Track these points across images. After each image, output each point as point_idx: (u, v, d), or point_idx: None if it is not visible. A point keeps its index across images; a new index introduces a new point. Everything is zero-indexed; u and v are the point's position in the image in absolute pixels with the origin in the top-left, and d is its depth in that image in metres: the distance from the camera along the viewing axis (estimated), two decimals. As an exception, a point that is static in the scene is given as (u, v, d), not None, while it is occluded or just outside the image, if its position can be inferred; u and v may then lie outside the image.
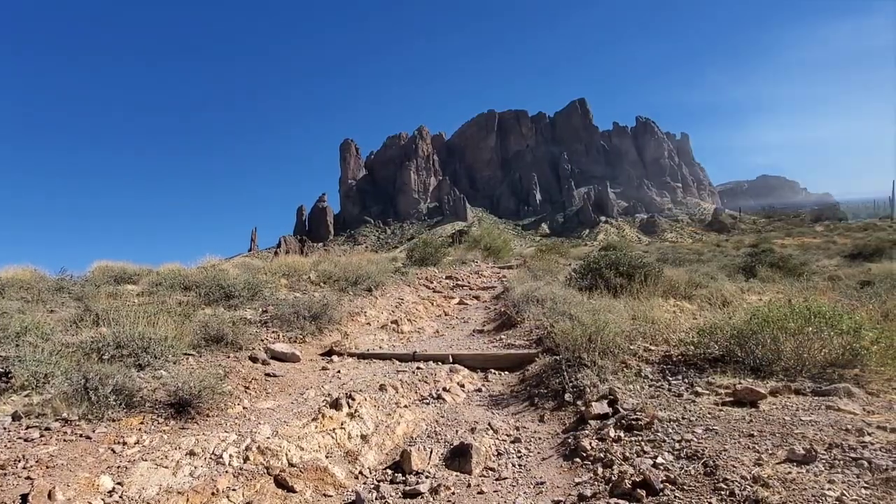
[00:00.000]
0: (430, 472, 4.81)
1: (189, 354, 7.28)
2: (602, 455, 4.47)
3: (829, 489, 3.23)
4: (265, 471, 4.58)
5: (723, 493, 3.45)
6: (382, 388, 6.56)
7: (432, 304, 13.39)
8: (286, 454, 4.80)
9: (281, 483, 4.52)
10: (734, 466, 3.69)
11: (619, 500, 3.73)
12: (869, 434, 3.87)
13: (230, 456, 4.65)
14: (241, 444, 4.83)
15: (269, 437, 4.99)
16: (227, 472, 4.47)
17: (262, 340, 8.56)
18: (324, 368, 7.92)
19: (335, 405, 5.73)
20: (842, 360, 5.37)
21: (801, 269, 17.16)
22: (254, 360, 7.58)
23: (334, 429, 5.35)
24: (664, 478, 3.79)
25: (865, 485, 3.25)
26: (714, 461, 3.80)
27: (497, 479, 4.64)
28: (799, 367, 5.48)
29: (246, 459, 4.66)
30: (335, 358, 8.46)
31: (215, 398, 5.77)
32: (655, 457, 4.11)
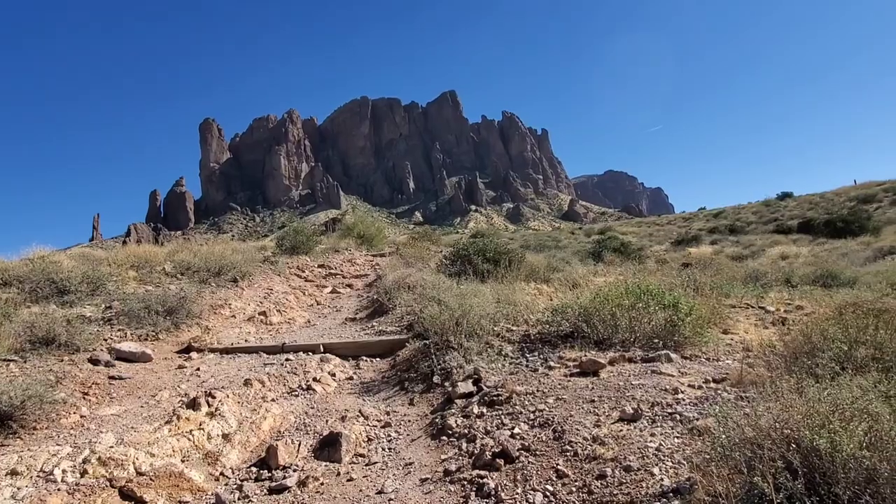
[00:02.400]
0: (298, 465, 4.72)
1: (9, 360, 6.29)
2: (466, 431, 4.75)
3: (650, 441, 3.80)
4: (108, 483, 4.13)
5: (568, 454, 3.89)
6: (247, 382, 6.25)
7: (304, 293, 12.98)
8: (133, 463, 4.37)
9: (127, 495, 4.11)
10: (578, 429, 4.16)
11: (481, 471, 4.02)
12: (682, 392, 4.59)
13: (63, 471, 4.12)
14: (77, 457, 4.30)
15: (112, 446, 4.50)
16: (59, 489, 3.95)
17: (106, 340, 7.66)
18: (180, 367, 7.31)
19: (193, 405, 5.34)
20: (664, 331, 6.27)
21: (637, 253, 19.61)
22: (94, 362, 6.76)
23: (192, 430, 4.99)
24: (520, 446, 4.15)
25: (677, 435, 3.86)
26: (562, 426, 4.25)
27: (367, 465, 4.70)
28: (632, 338, 6.29)
29: (84, 473, 4.16)
30: (194, 355, 7.85)
31: (44, 408, 5.05)
32: (513, 428, 4.47)
